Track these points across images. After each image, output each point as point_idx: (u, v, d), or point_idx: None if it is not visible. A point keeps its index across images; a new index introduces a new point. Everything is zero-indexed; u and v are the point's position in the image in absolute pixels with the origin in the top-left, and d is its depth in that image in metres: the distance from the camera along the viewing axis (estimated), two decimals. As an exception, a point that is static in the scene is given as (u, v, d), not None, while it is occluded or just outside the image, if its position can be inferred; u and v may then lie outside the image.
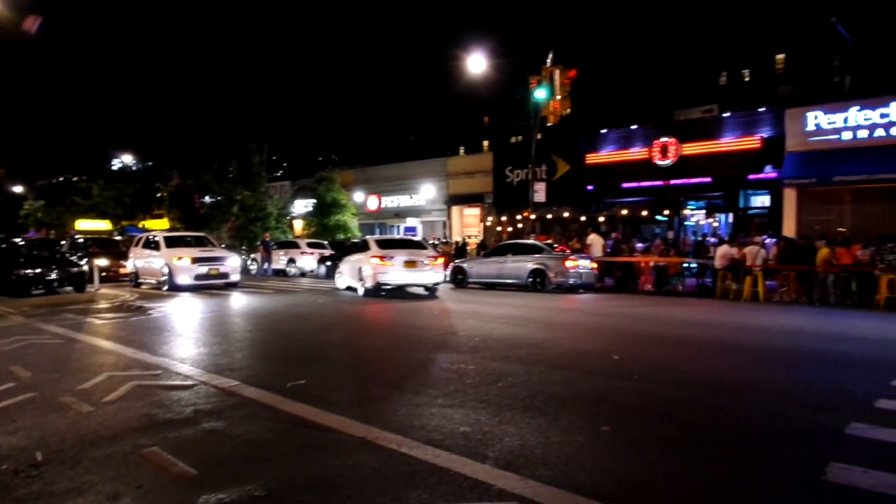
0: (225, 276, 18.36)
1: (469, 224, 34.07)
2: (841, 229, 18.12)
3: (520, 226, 26.67)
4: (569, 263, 17.94)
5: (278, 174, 47.15)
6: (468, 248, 28.16)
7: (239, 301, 15.28)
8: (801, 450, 4.26)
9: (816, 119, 20.87)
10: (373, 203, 37.41)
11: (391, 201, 36.84)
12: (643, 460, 4.01)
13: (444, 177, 34.18)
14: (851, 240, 15.80)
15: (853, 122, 20.14)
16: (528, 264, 18.51)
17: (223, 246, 25.16)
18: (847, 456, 4.06)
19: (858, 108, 20.18)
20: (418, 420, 4.82)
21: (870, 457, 4.06)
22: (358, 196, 37.34)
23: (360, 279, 16.65)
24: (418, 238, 27.51)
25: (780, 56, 48.23)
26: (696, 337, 9.66)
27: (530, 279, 18.28)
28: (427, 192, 34.42)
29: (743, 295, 15.98)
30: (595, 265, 18.95)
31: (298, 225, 37.77)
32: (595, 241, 20.76)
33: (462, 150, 62.01)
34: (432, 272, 16.41)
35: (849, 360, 7.74)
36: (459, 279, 20.32)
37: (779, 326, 10.95)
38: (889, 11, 43.02)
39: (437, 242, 27.89)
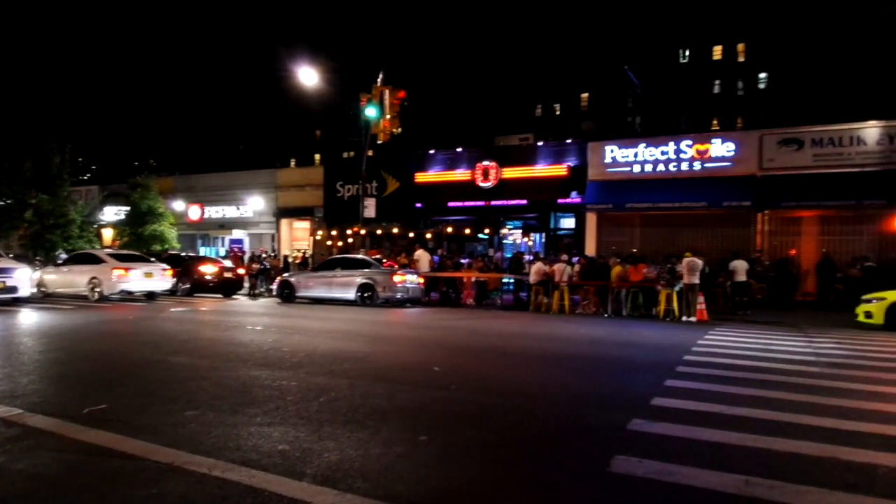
0: (12, 290, 16.08)
1: (299, 238, 33.29)
2: (634, 250, 20.61)
3: (350, 240, 26.65)
4: (397, 278, 18.32)
5: (85, 178, 42.22)
6: (291, 262, 27.55)
7: (29, 318, 13.45)
8: (591, 446, 4.80)
9: (613, 153, 23.65)
10: (195, 213, 35.01)
11: (216, 212, 34.78)
12: (457, 466, 4.26)
13: (274, 188, 33.11)
14: (639, 259, 18.05)
15: (641, 157, 23.14)
16: (356, 279, 18.58)
17: (12, 256, 21.92)
18: (628, 449, 4.65)
19: (645, 145, 23.27)
20: (234, 441, 4.64)
21: (645, 448, 4.69)
22: (178, 205, 34.73)
23: (93, 287, 18.30)
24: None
25: (585, 94, 53.93)
26: (510, 347, 10.40)
27: (359, 294, 18.36)
28: (255, 204, 33.05)
29: (552, 308, 17.51)
30: (422, 280, 19.54)
31: (108, 234, 34.11)
32: (422, 256, 21.43)
33: (293, 163, 60.56)
34: (164, 281, 19.41)
35: (634, 364, 8.85)
36: (286, 294, 19.78)
37: (579, 336, 12.17)
38: (668, 66, 50.08)
39: (264, 255, 26.86)
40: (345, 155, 55.34)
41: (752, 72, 49.88)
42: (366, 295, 18.28)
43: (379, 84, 21.03)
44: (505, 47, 53.13)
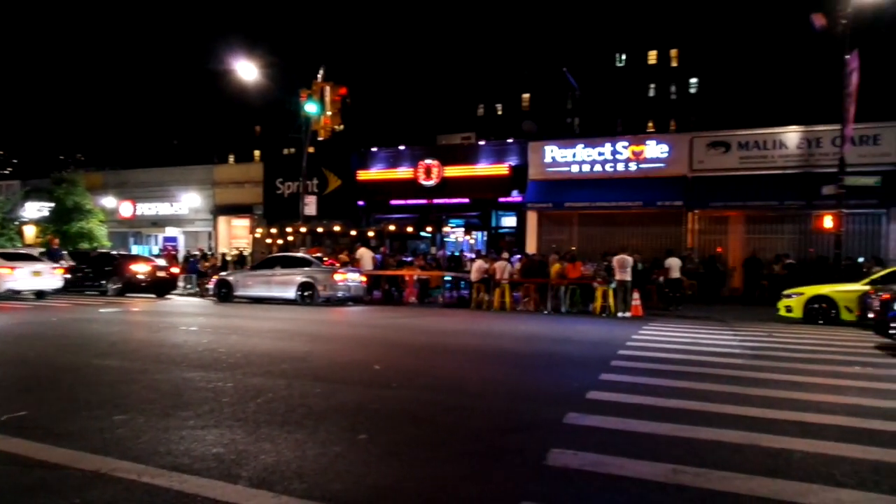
0: None
1: (238, 235, 32.46)
2: (573, 248, 21.09)
3: (290, 238, 26.18)
4: (338, 277, 18.13)
5: (6, 172, 39.80)
6: (229, 260, 26.88)
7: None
8: (528, 440, 4.89)
9: (552, 153, 24.13)
10: (126, 210, 33.59)
11: (148, 208, 33.49)
12: (396, 464, 4.26)
13: (211, 185, 32.14)
14: (577, 257, 18.49)
15: (580, 157, 23.71)
16: (297, 277, 18.28)
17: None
18: (563, 442, 4.76)
19: (584, 146, 23.86)
20: (164, 446, 4.49)
21: (581, 441, 4.82)
22: (109, 201, 33.23)
23: None
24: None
25: (526, 95, 54.80)
26: (452, 344, 10.47)
27: (299, 292, 18.07)
28: (191, 201, 31.98)
29: (493, 305, 17.73)
30: (364, 278, 19.40)
31: (30, 232, 32.29)
32: (364, 254, 21.27)
33: (231, 159, 58.96)
34: (53, 280, 18.80)
35: (571, 359, 9.07)
36: (224, 293, 19.26)
37: (519, 332, 12.38)
38: (605, 69, 51.45)
39: (198, 254, 26.06)
40: (285, 151, 54.28)
41: (684, 77, 51.89)
42: (306, 294, 18.01)
43: (320, 80, 20.75)
44: (447, 47, 53.34)
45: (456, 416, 5.56)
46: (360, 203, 27.88)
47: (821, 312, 14.63)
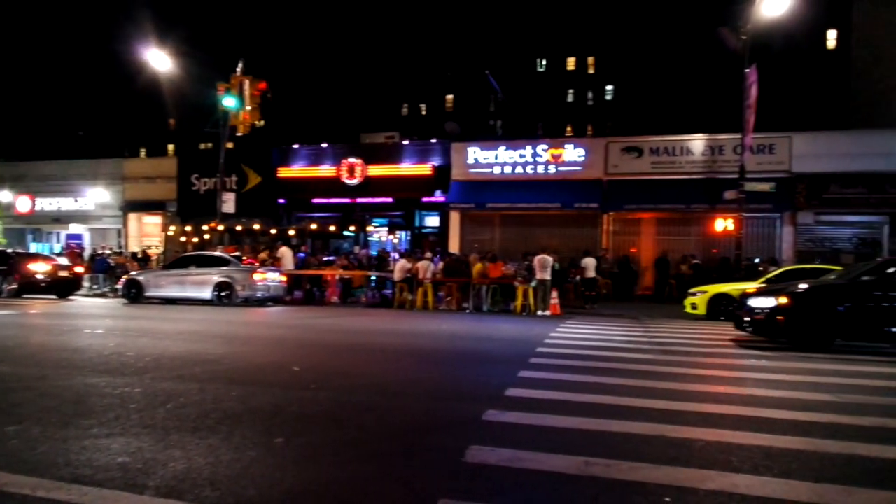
0: None
1: (149, 233, 30.91)
2: (488, 251, 21.42)
3: (207, 237, 25.22)
4: (257, 276, 17.65)
5: None
6: (141, 259, 25.61)
7: None
8: (447, 438, 4.93)
9: (475, 154, 24.48)
10: (24, 205, 31.25)
11: (49, 204, 31.31)
12: (313, 467, 4.19)
13: (120, 180, 30.47)
14: (498, 256, 18.84)
15: (502, 159, 24.18)
16: (213, 277, 17.66)
17: None
18: (482, 439, 4.85)
19: (505, 147, 24.34)
20: (63, 457, 4.22)
21: (499, 437, 4.92)
22: (4, 195, 30.82)
23: None
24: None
25: (450, 96, 55.27)
26: (373, 344, 10.42)
27: (216, 293, 17.46)
28: (98, 196, 30.20)
29: (416, 304, 17.79)
30: (284, 278, 18.97)
31: None
32: (285, 254, 20.81)
33: (143, 153, 56.09)
34: None
35: (491, 357, 9.24)
36: (133, 294, 18.31)
37: (441, 331, 12.48)
38: (527, 74, 52.64)
39: (108, 251, 24.65)
40: (202, 146, 52.19)
41: (600, 84, 53.89)
42: (223, 294, 17.41)
43: (238, 73, 20.09)
44: (372, 45, 52.93)
45: (376, 417, 5.54)
46: (281, 201, 27.24)
47: (723, 309, 15.61)
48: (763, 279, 15.58)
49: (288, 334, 11.63)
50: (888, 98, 24.46)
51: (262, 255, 20.84)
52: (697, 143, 22.70)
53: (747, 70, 18.16)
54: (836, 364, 8.92)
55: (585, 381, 7.23)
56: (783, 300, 10.21)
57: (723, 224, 19.75)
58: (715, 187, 20.55)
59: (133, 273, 20.22)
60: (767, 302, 10.40)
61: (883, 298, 9.87)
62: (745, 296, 11.37)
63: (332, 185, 26.17)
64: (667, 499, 3.74)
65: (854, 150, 21.23)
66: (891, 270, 10.19)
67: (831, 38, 44.09)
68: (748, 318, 10.65)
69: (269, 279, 18.06)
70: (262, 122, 21.25)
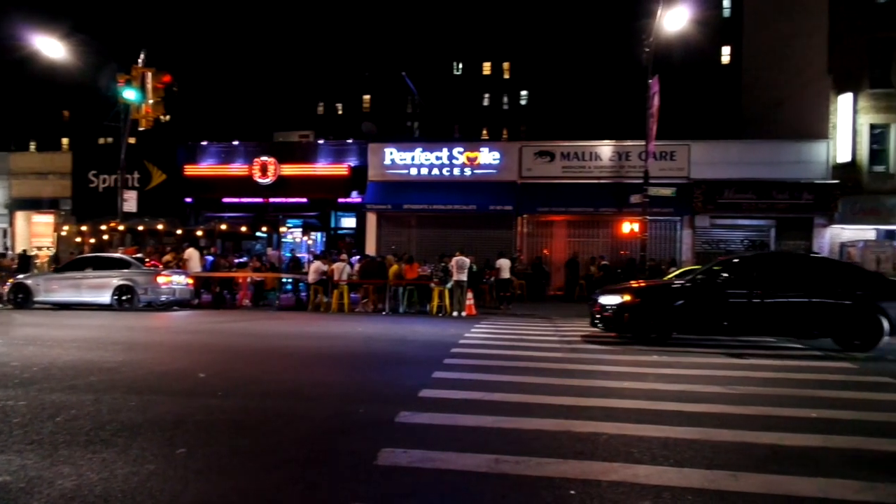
0: None
1: (40, 233, 28.56)
2: (396, 250, 21.46)
3: (106, 237, 23.69)
4: (161, 279, 16.79)
5: None
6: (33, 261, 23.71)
7: None
8: (359, 441, 4.88)
9: (392, 155, 24.42)
10: None
11: (-83, 200, 28.39)
12: (217, 477, 4.03)
13: (6, 175, 28.12)
14: (415, 258, 18.87)
15: (418, 160, 24.25)
16: (113, 280, 16.64)
17: None
18: (394, 441, 4.84)
19: (422, 149, 24.43)
20: (-68, 478, 3.85)
21: (411, 439, 4.93)
22: None
23: None
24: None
25: (367, 96, 54.85)
26: (285, 347, 10.15)
27: (116, 296, 16.46)
28: (-23, 193, 27.68)
29: (332, 307, 17.50)
30: (191, 281, 18.15)
31: None
32: (192, 255, 19.88)
33: (33, 146, 52.04)
34: None
35: (406, 358, 9.23)
36: (21, 299, 16.94)
37: (356, 334, 12.34)
38: (444, 76, 53.14)
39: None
40: (101, 141, 49.08)
41: (515, 89, 55.17)
42: (125, 298, 16.44)
43: (140, 65, 19.02)
44: (287, 41, 51.60)
45: (286, 422, 5.40)
46: (188, 200, 26.05)
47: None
48: (664, 279, 16.44)
49: (194, 339, 11.13)
50: (775, 111, 26.50)
51: (168, 257, 19.81)
52: (605, 149, 23.69)
53: (650, 81, 19.15)
54: (710, 358, 9.57)
55: (497, 381, 7.36)
56: (627, 298, 10.98)
57: (629, 227, 20.76)
58: (622, 191, 21.53)
59: (20, 277, 18.68)
60: (615, 300, 11.06)
61: (712, 296, 10.82)
62: (597, 293, 11.96)
63: (243, 185, 25.31)
64: (572, 492, 3.87)
65: (745, 158, 22.90)
66: (717, 270, 11.33)
67: (726, 53, 47.36)
68: (599, 315, 11.27)
69: (175, 282, 17.22)
70: (168, 117, 20.21)
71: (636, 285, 11.88)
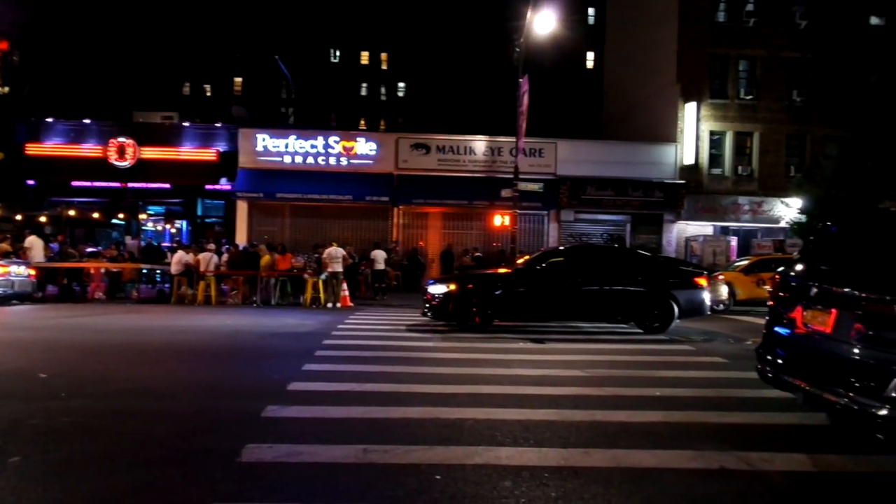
0: None
1: None
2: (282, 241, 20.81)
3: (-77, 223, 20.77)
4: (-5, 271, 14.99)
5: None
6: None
7: None
8: (222, 439, 4.70)
9: (265, 141, 23.49)
10: None
11: None
12: (58, 486, 3.71)
13: None
14: (288, 248, 18.34)
15: (293, 148, 23.52)
16: (-69, 272, 14.59)
17: None
18: (260, 436, 4.71)
19: (297, 137, 23.73)
20: None
21: (277, 433, 4.82)
22: None
23: None
24: None
25: (239, 79, 52.23)
26: (141, 343, 9.48)
27: (-64, 291, 14.47)
28: None
29: (197, 299, 16.58)
30: (33, 272, 16.38)
31: None
32: (35, 243, 17.90)
33: None
34: None
35: (275, 351, 8.98)
36: None
37: (223, 326, 11.80)
38: (320, 63, 51.94)
39: None
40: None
41: (393, 80, 55.07)
42: (-52, 292, 14.52)
43: (-31, 28, 16.78)
44: (150, 15, 47.73)
45: (140, 423, 5.07)
46: (31, 182, 23.43)
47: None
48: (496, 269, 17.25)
49: (35, 336, 10.07)
50: (632, 114, 28.65)
51: (4, 246, 17.70)
52: (479, 143, 24.36)
53: (521, 80, 19.93)
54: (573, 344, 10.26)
55: (369, 371, 7.38)
56: (452, 287, 11.50)
57: (500, 220, 21.47)
58: (494, 185, 22.24)
59: None
60: (441, 289, 11.58)
61: (531, 285, 11.56)
62: (429, 283, 12.44)
63: (97, 168, 23.16)
64: (437, 476, 3.99)
65: (605, 158, 24.60)
66: (536, 260, 12.15)
67: (590, 58, 50.45)
68: (428, 304, 11.70)
69: (13, 273, 15.46)
70: (6, 89, 18.06)
71: (461, 274, 12.22)
